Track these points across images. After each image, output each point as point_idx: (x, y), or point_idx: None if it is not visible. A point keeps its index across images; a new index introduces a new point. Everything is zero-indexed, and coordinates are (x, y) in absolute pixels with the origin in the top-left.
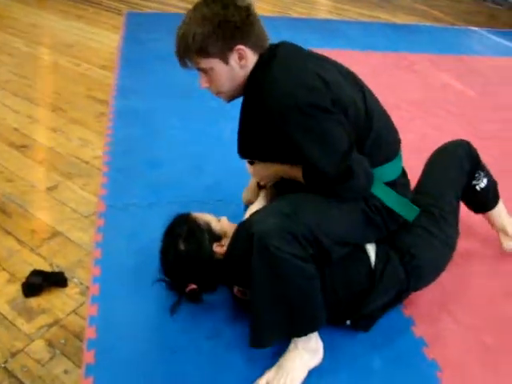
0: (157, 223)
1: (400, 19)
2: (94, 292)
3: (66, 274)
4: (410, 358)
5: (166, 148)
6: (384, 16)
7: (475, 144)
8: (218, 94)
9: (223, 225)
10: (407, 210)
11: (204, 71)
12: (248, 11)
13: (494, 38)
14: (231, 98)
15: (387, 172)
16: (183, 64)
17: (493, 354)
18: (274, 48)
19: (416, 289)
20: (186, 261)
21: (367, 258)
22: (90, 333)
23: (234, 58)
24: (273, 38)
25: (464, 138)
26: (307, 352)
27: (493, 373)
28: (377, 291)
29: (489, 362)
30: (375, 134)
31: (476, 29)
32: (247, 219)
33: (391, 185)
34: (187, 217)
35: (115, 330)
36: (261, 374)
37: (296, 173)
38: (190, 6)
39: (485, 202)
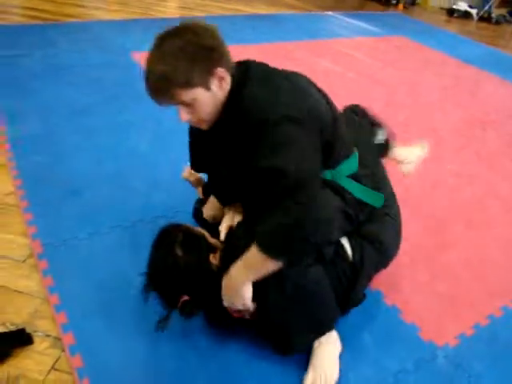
0: (105, 253)
1: (261, 10)
2: (69, 342)
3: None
4: (391, 325)
5: (81, 171)
6: (244, 8)
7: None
8: (200, 122)
9: (215, 240)
10: (374, 198)
11: (185, 104)
12: (215, 32)
13: (346, 19)
14: (211, 123)
15: (350, 166)
16: (161, 103)
17: (449, 300)
18: (244, 66)
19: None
20: (184, 267)
21: (345, 250)
22: None
23: (214, 83)
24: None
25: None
26: (331, 344)
27: (457, 317)
28: (361, 280)
29: (449, 308)
30: (341, 135)
31: (330, 13)
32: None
33: (355, 177)
34: (179, 225)
35: (111, 376)
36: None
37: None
38: (32, 13)
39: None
